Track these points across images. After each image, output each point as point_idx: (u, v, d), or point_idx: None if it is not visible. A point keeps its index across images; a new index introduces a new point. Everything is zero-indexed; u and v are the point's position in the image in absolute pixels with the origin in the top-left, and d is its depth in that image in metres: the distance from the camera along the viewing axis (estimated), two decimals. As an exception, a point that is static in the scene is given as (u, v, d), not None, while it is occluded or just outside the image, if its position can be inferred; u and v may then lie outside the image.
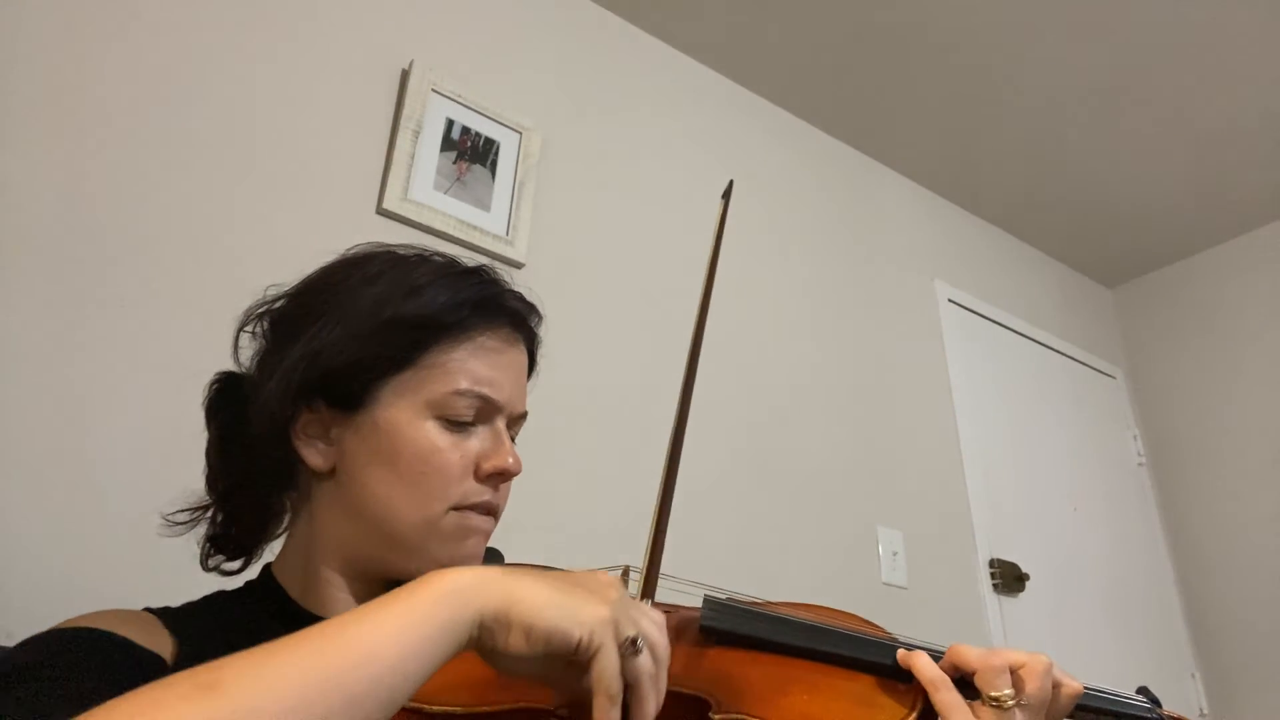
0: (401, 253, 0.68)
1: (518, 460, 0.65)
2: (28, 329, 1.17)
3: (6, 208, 1.21)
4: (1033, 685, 0.54)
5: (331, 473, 0.63)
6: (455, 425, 0.63)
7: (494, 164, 1.73)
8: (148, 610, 0.62)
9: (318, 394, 0.62)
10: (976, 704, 0.53)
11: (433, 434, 0.62)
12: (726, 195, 0.57)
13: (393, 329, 0.62)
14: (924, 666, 0.54)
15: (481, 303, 0.65)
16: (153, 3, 1.44)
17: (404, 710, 0.49)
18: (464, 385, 0.62)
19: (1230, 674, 2.53)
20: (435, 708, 0.49)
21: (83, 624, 0.54)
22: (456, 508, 0.62)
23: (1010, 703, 0.52)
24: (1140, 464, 2.87)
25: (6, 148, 1.23)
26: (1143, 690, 0.61)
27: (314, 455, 0.63)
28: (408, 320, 0.62)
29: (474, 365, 0.64)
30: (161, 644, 0.56)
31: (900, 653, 0.56)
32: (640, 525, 1.78)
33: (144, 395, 1.22)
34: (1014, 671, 0.55)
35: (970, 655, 0.55)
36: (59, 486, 1.12)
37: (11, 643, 0.53)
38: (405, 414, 0.62)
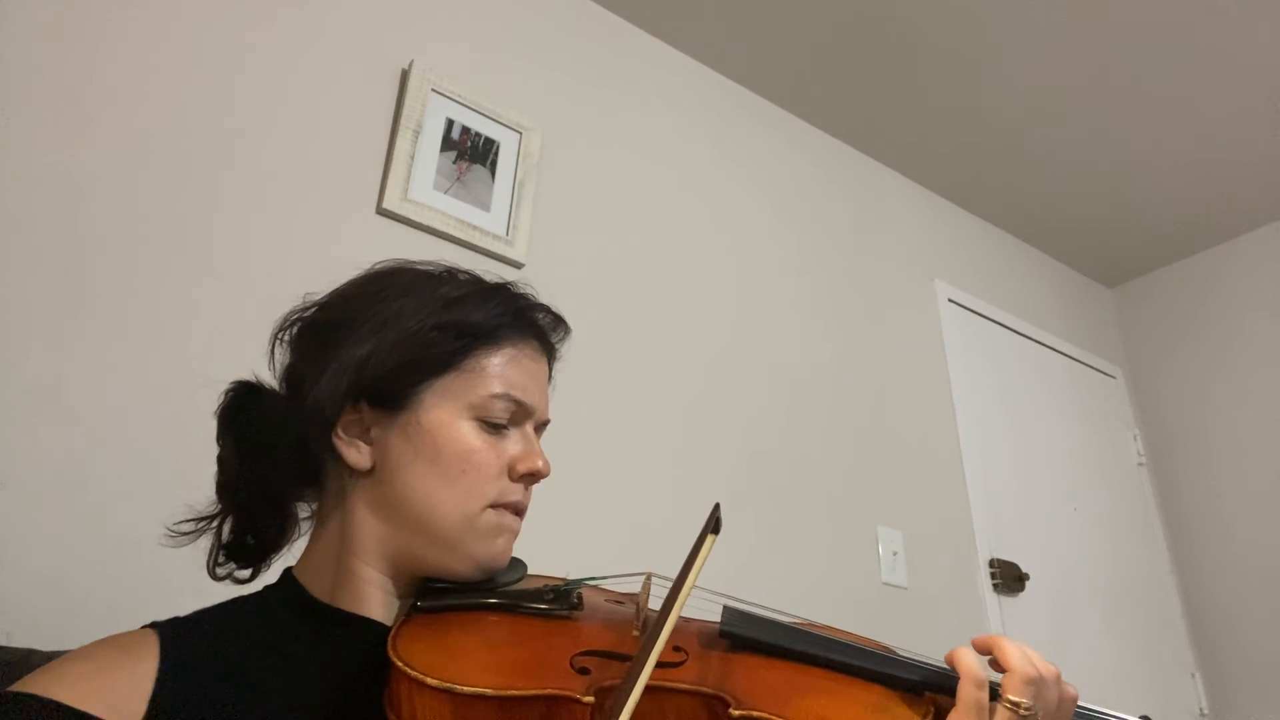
0: (426, 268, 0.71)
1: (547, 463, 0.69)
2: (27, 330, 1.17)
3: (4, 210, 1.21)
4: (1047, 694, 0.55)
5: (369, 471, 0.65)
6: (491, 427, 0.66)
7: (494, 164, 1.73)
8: (153, 625, 0.62)
9: (362, 395, 0.65)
10: (994, 704, 0.54)
11: (471, 434, 0.65)
12: (716, 528, 0.54)
13: (438, 334, 0.65)
14: (968, 660, 0.55)
15: (517, 314, 0.70)
16: (152, 3, 1.43)
17: (436, 690, 0.50)
18: (500, 389, 0.66)
19: (1230, 674, 2.53)
20: (467, 688, 0.50)
21: (26, 689, 0.53)
22: (493, 505, 0.65)
23: (1027, 712, 0.53)
24: (1140, 464, 2.87)
25: (5, 148, 1.23)
26: (1145, 719, 0.62)
27: (355, 454, 0.65)
28: (452, 327, 0.66)
29: (509, 371, 0.67)
30: (139, 674, 0.56)
31: (950, 651, 0.57)
32: (642, 524, 1.77)
33: (144, 395, 1.22)
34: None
35: (1011, 655, 0.55)
36: (62, 488, 1.12)
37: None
38: (447, 414, 0.65)
